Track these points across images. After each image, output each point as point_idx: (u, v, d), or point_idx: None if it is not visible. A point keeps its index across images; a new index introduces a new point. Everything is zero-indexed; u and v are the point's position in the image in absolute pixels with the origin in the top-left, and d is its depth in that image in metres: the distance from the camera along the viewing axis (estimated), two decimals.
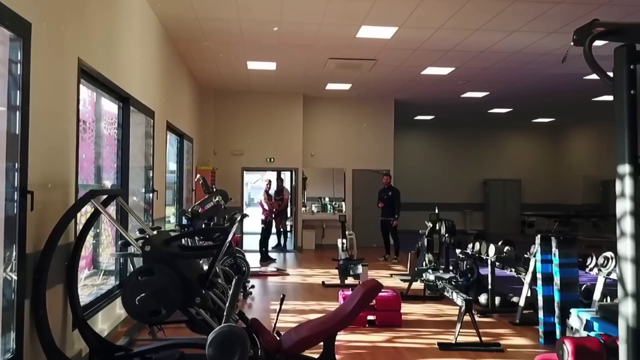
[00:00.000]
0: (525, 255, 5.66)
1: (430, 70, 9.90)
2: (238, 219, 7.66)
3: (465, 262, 6.91)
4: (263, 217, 10.80)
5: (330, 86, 11.46)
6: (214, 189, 8.35)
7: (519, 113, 14.84)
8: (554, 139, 17.91)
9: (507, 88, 11.50)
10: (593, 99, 12.55)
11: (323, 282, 7.72)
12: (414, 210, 14.03)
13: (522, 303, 5.58)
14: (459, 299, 4.98)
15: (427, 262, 6.70)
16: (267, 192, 11.04)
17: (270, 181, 11.26)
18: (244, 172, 12.66)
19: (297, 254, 11.62)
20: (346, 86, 11.48)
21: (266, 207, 10.89)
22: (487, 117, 15.56)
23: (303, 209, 12.68)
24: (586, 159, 16.70)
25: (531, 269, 5.47)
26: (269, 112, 12.24)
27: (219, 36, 7.95)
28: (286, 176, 16.75)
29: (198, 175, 8.88)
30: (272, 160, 12.20)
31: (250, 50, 8.72)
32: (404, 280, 8.12)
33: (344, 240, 7.41)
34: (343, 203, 13.00)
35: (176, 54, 8.63)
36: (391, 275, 8.71)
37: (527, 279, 5.52)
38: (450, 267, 6.96)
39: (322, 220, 12.61)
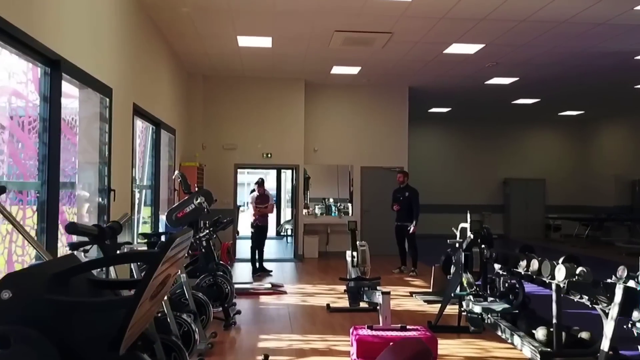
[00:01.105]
0: (609, 280, 4.10)
1: (454, 48, 8.34)
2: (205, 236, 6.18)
3: (502, 278, 5.38)
4: (252, 221, 9.18)
5: (336, 70, 9.91)
6: (197, 189, 6.86)
7: (547, 104, 13.24)
8: (582, 134, 16.30)
9: (540, 72, 9.93)
10: (636, 86, 10.97)
11: (328, 305, 6.17)
12: (427, 213, 12.49)
13: (605, 346, 4.03)
14: (528, 349, 3.42)
15: (465, 284, 5.12)
16: (259, 194, 9.42)
17: (262, 181, 9.57)
18: (238, 169, 11.13)
19: (297, 264, 10.08)
20: (354, 70, 9.92)
21: (252, 210, 9.31)
22: (510, 109, 13.98)
23: (305, 211, 11.14)
24: (618, 157, 15.09)
25: (618, 299, 3.92)
26: (266, 101, 10.70)
27: None
28: (286, 174, 15.26)
29: (176, 172, 7.37)
30: (269, 155, 10.65)
31: (240, 20, 7.18)
32: (428, 302, 6.56)
33: (355, 253, 5.86)
34: (349, 205, 11.45)
35: (151, 26, 7.11)
36: (412, 294, 7.15)
37: (613, 312, 3.96)
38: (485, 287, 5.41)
39: (326, 224, 11.07)
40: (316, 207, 11.62)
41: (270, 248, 12.69)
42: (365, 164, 11.27)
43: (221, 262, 6.59)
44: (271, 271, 9.06)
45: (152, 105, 7.22)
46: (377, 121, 11.35)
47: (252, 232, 9.28)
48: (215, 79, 10.56)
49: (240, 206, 16.25)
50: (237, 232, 16.11)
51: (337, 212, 11.48)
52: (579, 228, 14.64)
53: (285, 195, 15.72)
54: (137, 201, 7.80)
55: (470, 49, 8.38)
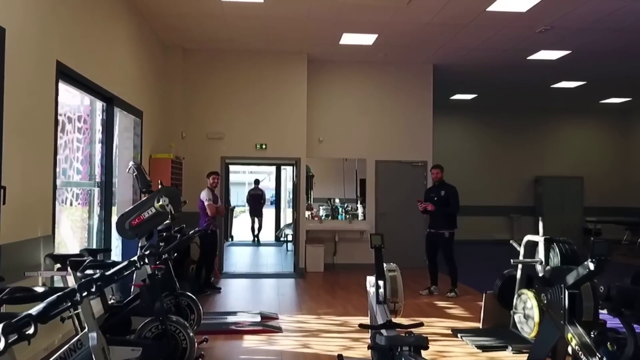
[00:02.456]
0: None
1: (501, 4, 6.38)
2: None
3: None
4: (204, 226, 7.16)
5: (347, 38, 7.94)
6: (160, 186, 4.94)
7: (591, 88, 11.24)
8: (626, 126, 14.27)
9: (597, 45, 7.97)
10: None
11: (340, 357, 4.20)
12: None
13: None
14: None
15: (576, 346, 3.04)
16: (212, 190, 7.41)
17: (218, 175, 7.47)
18: (226, 164, 9.20)
19: (297, 281, 8.12)
20: (369, 38, 7.96)
21: (209, 211, 7.25)
22: (547, 95, 11.99)
23: (307, 213, 9.21)
24: None
25: None
26: (260, 81, 8.75)
27: None
28: (287, 171, 13.32)
29: (130, 163, 5.44)
30: (263, 147, 8.70)
31: None
32: (483, 348, 4.59)
33: (381, 283, 3.91)
34: (359, 207, 9.52)
35: None
36: (455, 333, 5.16)
37: None
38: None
39: (333, 230, 9.11)
40: (321, 208, 9.68)
41: (267, 257, 10.76)
42: (381, 157, 9.30)
43: (185, 292, 4.64)
44: (220, 288, 7.25)
45: (100, 73, 5.30)
46: (395, 106, 9.38)
47: (202, 242, 7.36)
48: (198, 53, 8.62)
49: (232, 207, 14.40)
50: (231, 238, 14.24)
51: (344, 215, 9.54)
52: (628, 235, 12.63)
53: (286, 195, 13.78)
54: (95, 203, 5.93)
55: (521, 5, 6.41)
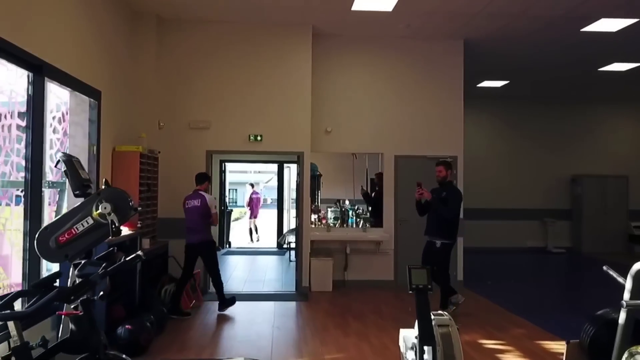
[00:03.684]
0: None
1: None
2: None
3: None
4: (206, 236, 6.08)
5: (361, 3, 6.35)
6: (102, 187, 3.40)
7: None
8: None
9: None
10: None
11: None
12: (474, 220, 9.14)
13: None
14: None
15: None
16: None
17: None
18: (220, 162, 7.65)
19: (300, 305, 6.53)
20: (388, 4, 6.36)
21: (215, 221, 6.27)
22: (592, 80, 10.32)
23: (314, 216, 7.65)
24: None
25: None
26: (254, 59, 7.19)
27: None
28: (291, 169, 11.76)
29: (58, 155, 3.89)
30: (258, 139, 7.13)
31: None
32: None
33: (429, 349, 2.33)
34: (366, 209, 7.98)
35: None
36: None
37: None
38: None
39: (344, 240, 7.52)
40: (329, 210, 8.11)
41: (266, 269, 9.19)
42: (402, 151, 7.70)
43: (118, 355, 3.08)
44: (189, 314, 5.84)
45: (23, 30, 3.76)
46: (420, 90, 7.78)
47: (206, 252, 6.16)
48: (178, 23, 7.07)
49: (230, 210, 12.81)
50: (228, 245, 12.69)
51: (354, 218, 7.97)
52: None
53: (290, 195, 12.22)
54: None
55: None
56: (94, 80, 5.28)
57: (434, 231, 5.83)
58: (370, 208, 8.12)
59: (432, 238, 5.84)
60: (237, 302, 6.13)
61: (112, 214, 3.21)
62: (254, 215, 13.69)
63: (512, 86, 10.95)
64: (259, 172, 25.32)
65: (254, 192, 14.00)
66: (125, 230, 5.17)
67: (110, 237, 3.45)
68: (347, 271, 7.52)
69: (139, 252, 3.26)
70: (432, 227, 5.87)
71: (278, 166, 12.26)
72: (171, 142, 6.99)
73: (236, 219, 25.91)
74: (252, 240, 13.43)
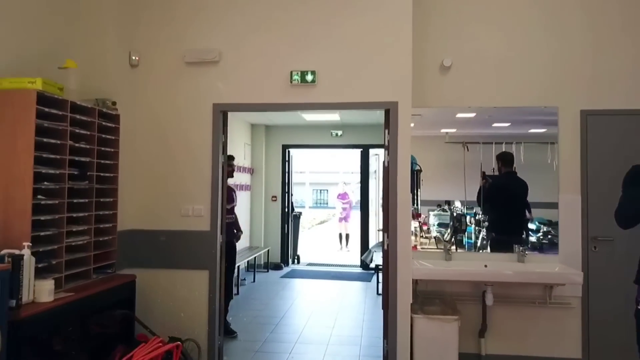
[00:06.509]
0: None
1: None
2: None
3: None
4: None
5: None
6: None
7: None
8: None
9: None
10: None
11: None
12: None
13: None
14: None
15: None
16: None
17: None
18: (227, 118, 4.39)
19: None
20: None
21: None
22: None
23: (414, 224, 4.06)
24: None
25: None
26: None
27: None
28: (379, 158, 8.33)
29: None
30: (308, 79, 3.67)
31: None
32: None
33: None
34: (474, 214, 4.19)
35: None
36: None
37: None
38: None
39: (480, 281, 3.83)
40: (431, 215, 4.45)
41: (339, 309, 5.67)
42: (594, 104, 3.89)
43: None
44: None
45: None
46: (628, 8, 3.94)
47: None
48: None
49: (299, 214, 9.41)
50: (296, 260, 9.35)
51: (472, 227, 4.27)
52: None
53: (378, 193, 8.77)
54: None
55: None
56: None
57: None
58: (483, 214, 4.38)
59: None
60: None
61: None
62: (344, 218, 11.46)
63: None
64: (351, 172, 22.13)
65: (343, 192, 11.78)
66: None
67: None
68: (486, 338, 3.85)
69: None
70: None
71: (362, 153, 8.76)
72: (151, 90, 3.80)
73: (322, 222, 22.91)
74: (340, 247, 11.26)
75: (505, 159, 4.19)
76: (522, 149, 4.04)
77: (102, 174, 3.34)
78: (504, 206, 4.21)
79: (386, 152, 3.70)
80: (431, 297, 3.88)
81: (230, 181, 4.62)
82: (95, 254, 3.28)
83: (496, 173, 4.18)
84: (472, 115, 4.06)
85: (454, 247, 4.15)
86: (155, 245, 3.72)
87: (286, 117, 7.67)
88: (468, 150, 4.30)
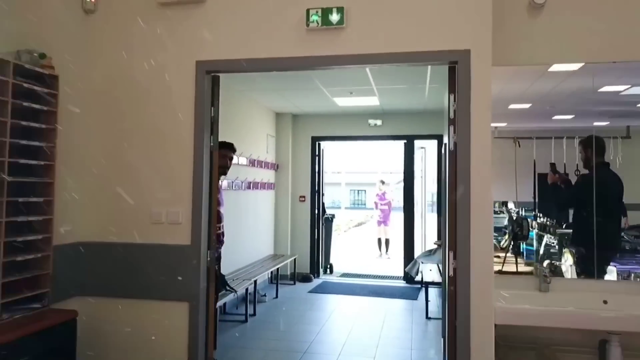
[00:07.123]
0: None
1: None
2: None
3: None
4: None
5: None
6: None
7: None
8: None
9: None
10: None
11: None
12: None
13: None
14: None
15: None
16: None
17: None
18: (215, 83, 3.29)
19: None
20: None
21: None
22: None
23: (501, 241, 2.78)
24: None
25: None
26: None
27: None
28: (425, 152, 7.09)
29: None
30: (333, 20, 2.47)
31: None
32: None
33: None
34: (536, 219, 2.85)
35: None
36: None
37: None
38: None
39: (597, 328, 2.54)
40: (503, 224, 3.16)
41: (379, 339, 4.37)
42: None
43: None
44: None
45: None
46: None
47: None
48: None
49: (331, 217, 8.14)
50: (329, 269, 8.07)
51: (534, 232, 2.97)
52: None
53: (424, 192, 7.44)
54: None
55: None
56: None
57: None
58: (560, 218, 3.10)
59: None
60: None
61: None
62: (383, 222, 10.38)
63: None
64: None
65: (382, 192, 10.71)
66: None
67: None
68: None
69: None
70: None
71: (405, 145, 7.47)
72: (109, 44, 2.70)
73: (359, 224, 21.57)
74: (380, 253, 10.18)
75: (598, 146, 2.90)
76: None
77: (26, 161, 2.25)
78: (600, 210, 2.90)
79: (451, 128, 2.45)
80: (518, 347, 2.61)
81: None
82: (11, 281, 2.19)
83: (558, 169, 2.92)
84: (577, 67, 2.77)
85: (547, 268, 2.86)
86: (112, 266, 2.61)
87: (316, 102, 6.47)
88: (520, 146, 3.05)
